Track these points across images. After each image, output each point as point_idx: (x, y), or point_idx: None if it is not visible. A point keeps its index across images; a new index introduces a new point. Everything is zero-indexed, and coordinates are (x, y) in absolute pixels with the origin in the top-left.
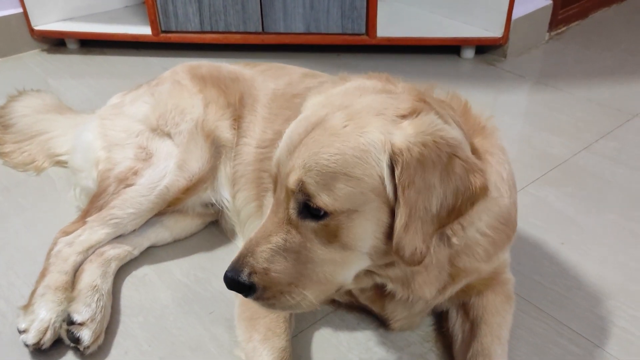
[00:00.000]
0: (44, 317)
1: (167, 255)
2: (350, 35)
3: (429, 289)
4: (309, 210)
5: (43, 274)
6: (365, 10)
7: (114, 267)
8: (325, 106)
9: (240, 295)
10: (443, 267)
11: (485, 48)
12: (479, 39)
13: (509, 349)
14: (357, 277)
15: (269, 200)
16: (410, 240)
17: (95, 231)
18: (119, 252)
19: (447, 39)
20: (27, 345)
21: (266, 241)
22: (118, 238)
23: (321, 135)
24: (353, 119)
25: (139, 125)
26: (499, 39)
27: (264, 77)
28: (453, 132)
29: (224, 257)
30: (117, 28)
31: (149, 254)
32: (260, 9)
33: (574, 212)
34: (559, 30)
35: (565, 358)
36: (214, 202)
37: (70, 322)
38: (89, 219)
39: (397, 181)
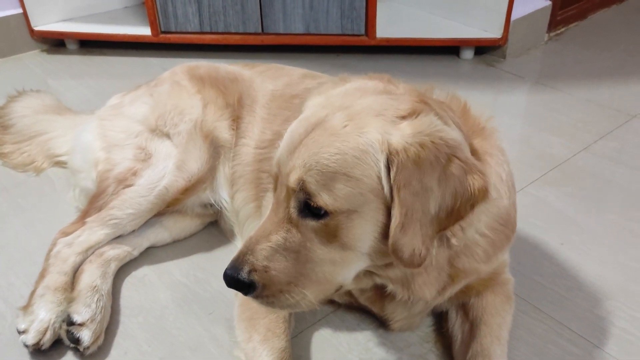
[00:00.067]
0: (43, 317)
1: (167, 256)
2: (349, 36)
3: (429, 289)
4: (309, 209)
5: (42, 275)
6: (364, 11)
7: (113, 267)
8: (325, 107)
9: (240, 296)
10: (442, 268)
11: (484, 49)
12: (478, 40)
13: (508, 349)
14: (357, 277)
15: (268, 201)
16: (409, 241)
17: (94, 232)
18: (118, 252)
19: (446, 39)
20: (26, 346)
21: (266, 240)
22: (117, 238)
23: (321, 135)
24: (353, 120)
25: (138, 126)
26: (498, 39)
27: (263, 77)
28: (452, 133)
29: (224, 257)
30: (116, 29)
31: (149, 255)
32: (260, 9)
33: (573, 212)
34: (558, 31)
35: (564, 358)
36: (213, 202)
37: (70, 323)
38: (88, 219)
39: (392, 181)
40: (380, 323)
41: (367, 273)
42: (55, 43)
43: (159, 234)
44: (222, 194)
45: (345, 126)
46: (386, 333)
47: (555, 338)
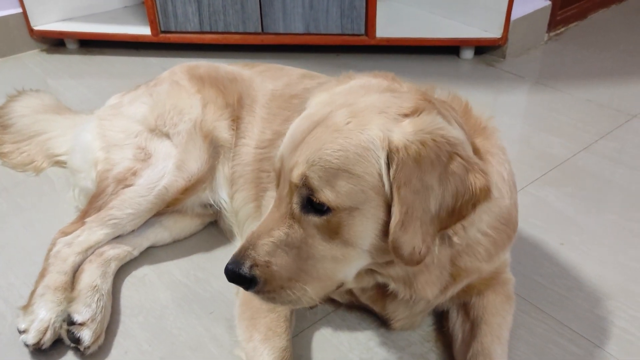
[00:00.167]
0: (43, 317)
1: (167, 256)
2: (349, 36)
3: (430, 289)
4: (312, 205)
5: (42, 274)
6: (364, 11)
7: (113, 267)
8: (329, 104)
9: (240, 295)
10: (444, 267)
11: (484, 49)
12: (478, 40)
13: (509, 349)
14: (359, 276)
15: (268, 201)
16: (409, 239)
17: (94, 232)
18: (118, 252)
19: (446, 39)
20: (27, 345)
21: (268, 235)
22: (117, 238)
23: (324, 132)
24: (356, 117)
25: (137, 126)
26: (498, 39)
27: (263, 77)
28: (454, 132)
29: (224, 257)
30: (116, 28)
31: (149, 254)
32: (260, 9)
33: (573, 212)
34: (558, 31)
35: (565, 358)
36: (212, 202)
37: (71, 323)
38: (88, 219)
39: (391, 179)
40: (381, 322)
41: (369, 271)
42: (55, 43)
43: (159, 234)
44: (222, 194)
45: (348, 123)
46: (387, 332)
47: (555, 338)
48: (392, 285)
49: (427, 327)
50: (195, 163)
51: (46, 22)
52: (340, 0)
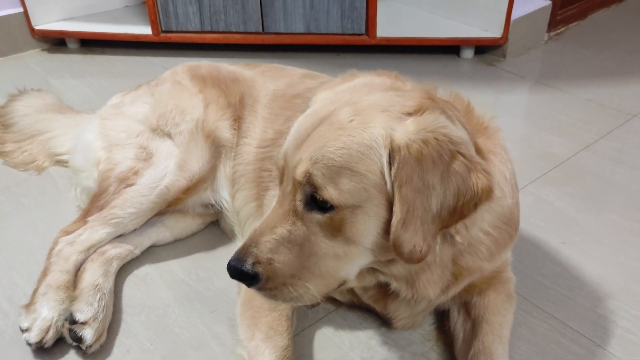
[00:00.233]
0: (46, 315)
1: (168, 255)
2: (350, 35)
3: (432, 288)
4: (315, 202)
5: (44, 273)
6: (365, 11)
7: (115, 266)
8: (333, 102)
9: (242, 294)
10: (446, 266)
11: (484, 48)
12: (478, 39)
13: (510, 348)
14: (361, 274)
15: (269, 200)
16: (410, 238)
17: (96, 230)
18: (120, 251)
19: (446, 39)
20: (29, 344)
21: (271, 232)
22: (119, 237)
23: (328, 129)
24: (359, 115)
25: (139, 126)
26: (498, 39)
27: (264, 78)
28: (457, 131)
29: (225, 256)
30: (117, 28)
31: (150, 253)
32: (261, 9)
33: (574, 211)
34: (558, 31)
35: (566, 358)
36: (213, 202)
37: (73, 321)
38: (89, 218)
39: (392, 177)
40: (382, 321)
41: (371, 270)
42: (56, 42)
43: (161, 233)
44: (223, 194)
45: (351, 121)
46: (388, 331)
47: (557, 337)
48: (394, 285)
49: (428, 326)
50: (197, 163)
51: (47, 21)
52: (341, 0)
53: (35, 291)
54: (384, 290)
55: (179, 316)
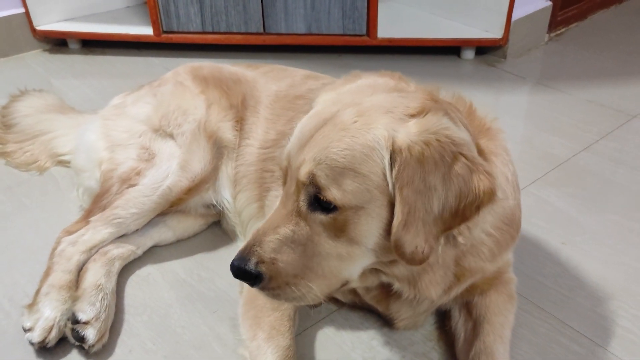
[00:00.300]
0: (48, 315)
1: (171, 255)
2: (351, 36)
3: (434, 289)
4: (319, 203)
5: (47, 273)
6: (366, 11)
7: (117, 266)
8: (336, 103)
9: (244, 294)
10: (449, 267)
11: (485, 49)
12: (479, 40)
13: (511, 348)
14: (363, 275)
15: (271, 201)
16: (411, 239)
17: (98, 231)
18: (122, 251)
19: (447, 40)
20: (32, 344)
21: (274, 232)
22: (121, 238)
23: (332, 130)
24: (362, 116)
25: (141, 126)
26: (499, 40)
27: (266, 79)
28: (460, 133)
29: (227, 256)
30: (118, 28)
31: (153, 254)
32: (262, 9)
33: (575, 212)
34: (559, 32)
35: (567, 357)
36: (215, 203)
37: (75, 321)
38: (92, 218)
39: (394, 179)
40: (384, 322)
41: (373, 271)
42: (58, 43)
43: (163, 234)
44: (225, 195)
45: (355, 122)
46: (390, 332)
47: (557, 337)
48: (396, 285)
49: (429, 326)
50: (199, 163)
51: (49, 22)
52: (342, 1)
53: (37, 291)
54: (387, 291)
55: (181, 316)
